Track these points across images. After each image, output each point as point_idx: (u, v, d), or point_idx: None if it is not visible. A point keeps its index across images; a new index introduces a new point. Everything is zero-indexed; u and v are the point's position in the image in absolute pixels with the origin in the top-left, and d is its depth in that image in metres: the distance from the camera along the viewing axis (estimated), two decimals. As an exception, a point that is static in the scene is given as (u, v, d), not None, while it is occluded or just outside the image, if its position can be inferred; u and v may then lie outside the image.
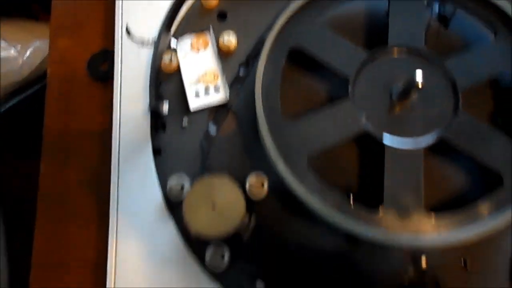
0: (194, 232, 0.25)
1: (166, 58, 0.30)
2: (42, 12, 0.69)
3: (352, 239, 0.26)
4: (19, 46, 0.56)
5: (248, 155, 0.28)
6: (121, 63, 0.31)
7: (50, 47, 0.41)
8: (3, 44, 0.55)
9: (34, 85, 0.59)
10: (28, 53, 0.57)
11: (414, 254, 0.25)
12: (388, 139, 0.26)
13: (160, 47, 0.29)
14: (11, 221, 0.60)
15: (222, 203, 0.25)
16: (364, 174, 0.26)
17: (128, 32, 0.31)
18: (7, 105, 0.57)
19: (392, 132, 0.26)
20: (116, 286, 0.27)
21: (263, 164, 0.27)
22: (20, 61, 0.56)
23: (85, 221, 0.32)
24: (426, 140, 0.26)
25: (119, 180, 0.28)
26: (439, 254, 0.26)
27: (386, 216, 0.24)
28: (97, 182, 0.35)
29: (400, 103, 0.26)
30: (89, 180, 0.36)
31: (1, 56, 0.55)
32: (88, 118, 0.38)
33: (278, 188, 0.27)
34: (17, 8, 0.65)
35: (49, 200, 0.35)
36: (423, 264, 0.25)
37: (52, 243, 0.32)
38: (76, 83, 0.40)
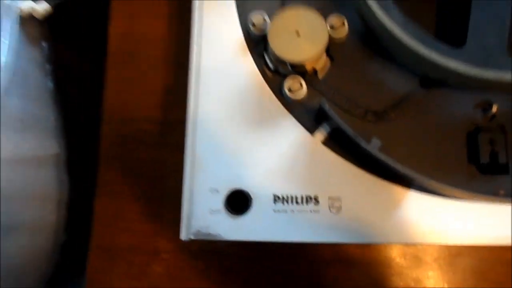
0: (280, 58, 0.26)
1: None
2: None
3: (426, 82, 0.27)
4: None
5: (329, -1, 0.29)
6: None
7: None
8: None
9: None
10: None
11: (485, 100, 0.26)
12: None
13: None
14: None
15: (306, 30, 0.26)
16: (447, 16, 0.27)
17: None
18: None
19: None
20: (198, 113, 0.28)
21: (344, 6, 0.28)
22: None
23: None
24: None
25: (201, 18, 0.29)
26: (508, 101, 0.26)
27: (469, 53, 0.25)
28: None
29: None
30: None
31: None
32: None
33: (358, 29, 0.27)
34: None
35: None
36: (494, 108, 0.26)
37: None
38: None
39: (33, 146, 0.51)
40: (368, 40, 0.28)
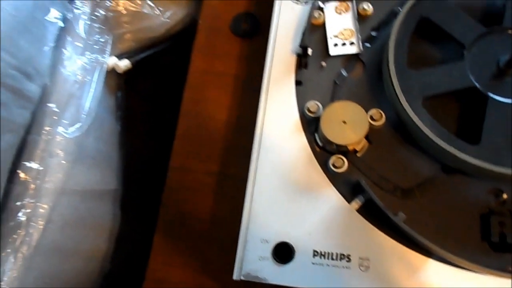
0: (329, 140, 0.33)
1: (315, 14, 0.38)
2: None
3: (447, 168, 0.33)
4: (161, 9, 0.68)
5: (370, 94, 0.36)
6: (278, 14, 0.40)
7: (203, 3, 0.52)
8: (150, 3, 0.68)
9: (164, 43, 0.71)
10: (167, 14, 0.68)
11: (497, 187, 0.32)
12: (492, 94, 0.32)
13: (313, 6, 0.38)
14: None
15: (351, 120, 0.33)
16: (465, 118, 0.33)
17: (287, -8, 0.40)
18: (143, 55, 0.69)
19: (495, 90, 0.32)
20: (256, 181, 0.35)
21: (382, 102, 0.35)
22: (160, 20, 0.68)
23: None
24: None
25: (266, 103, 0.37)
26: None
27: (481, 151, 0.31)
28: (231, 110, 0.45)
29: (505, 70, 0.33)
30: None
31: (146, 12, 0.67)
32: (227, 63, 0.48)
33: (393, 121, 0.34)
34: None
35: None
36: (504, 196, 0.31)
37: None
38: (221, 35, 0.50)
39: (98, 180, 0.59)
40: (400, 129, 0.34)
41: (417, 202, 0.32)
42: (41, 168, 0.50)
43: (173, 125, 0.54)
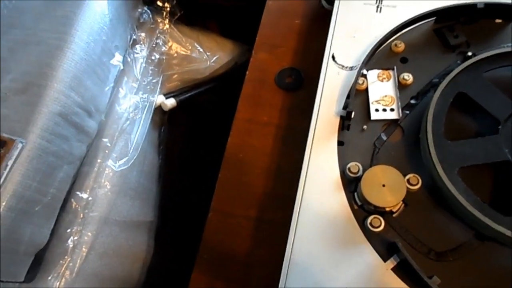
0: (367, 201, 0.35)
1: (359, 80, 0.42)
2: (217, 27, 0.87)
3: (480, 235, 0.35)
4: (208, 53, 0.74)
5: (407, 159, 0.38)
6: (324, 78, 0.44)
7: (252, 56, 0.57)
8: (199, 48, 0.73)
9: (209, 84, 0.76)
10: (213, 59, 0.74)
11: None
12: (525, 169, 0.35)
13: (358, 73, 0.41)
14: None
15: (390, 184, 0.35)
16: (499, 189, 0.35)
17: (333, 58, 0.44)
18: (188, 95, 0.74)
19: (528, 165, 0.35)
20: (296, 231, 0.38)
21: (419, 167, 0.37)
22: (207, 64, 0.73)
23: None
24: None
25: (310, 159, 0.40)
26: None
27: (514, 222, 0.33)
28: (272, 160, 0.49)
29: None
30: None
31: (194, 56, 0.73)
32: (271, 114, 0.52)
33: (429, 186, 0.37)
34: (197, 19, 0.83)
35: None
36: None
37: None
38: (266, 87, 0.54)
39: (137, 212, 0.63)
40: (436, 195, 0.36)
41: (450, 266, 0.34)
42: (90, 198, 0.54)
43: (206, 161, 0.57)
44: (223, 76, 0.78)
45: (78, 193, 0.54)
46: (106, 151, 0.58)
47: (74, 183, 0.53)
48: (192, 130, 0.85)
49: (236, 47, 0.79)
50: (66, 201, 0.51)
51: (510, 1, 0.42)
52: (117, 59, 0.57)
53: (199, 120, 0.86)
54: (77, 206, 0.53)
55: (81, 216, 0.54)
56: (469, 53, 0.41)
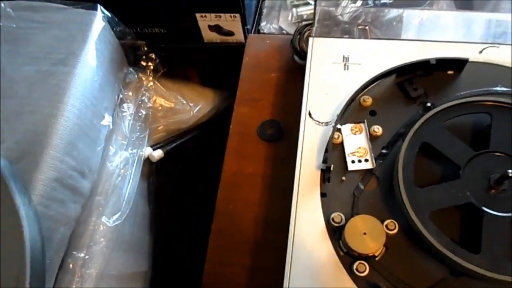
0: (352, 249, 0.39)
1: (335, 135, 0.46)
2: (197, 76, 0.91)
3: (454, 272, 0.39)
4: (191, 104, 0.77)
5: (384, 205, 0.43)
6: (303, 135, 0.48)
7: (234, 111, 0.61)
8: (182, 100, 0.77)
9: (193, 132, 0.79)
10: (196, 109, 0.78)
11: (499, 291, 0.37)
12: (486, 209, 0.39)
13: (334, 128, 0.46)
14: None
15: (370, 232, 0.39)
16: (467, 229, 0.40)
17: (310, 115, 0.48)
18: (174, 145, 0.77)
19: (489, 205, 0.39)
20: (290, 282, 0.41)
21: (395, 213, 0.41)
22: (190, 114, 0.77)
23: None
24: (513, 214, 0.39)
25: (296, 212, 0.44)
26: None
27: (482, 260, 0.37)
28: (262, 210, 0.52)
29: (496, 187, 0.40)
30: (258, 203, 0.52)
31: (178, 108, 0.76)
32: (255, 165, 0.56)
33: (405, 229, 0.41)
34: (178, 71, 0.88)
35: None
36: (505, 299, 0.37)
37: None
38: (249, 139, 0.58)
39: (132, 264, 0.64)
40: (412, 237, 0.40)
41: (430, 303, 0.38)
42: (87, 257, 0.56)
43: (193, 210, 0.60)
44: (206, 123, 0.82)
45: (74, 252, 0.55)
46: (100, 209, 0.59)
47: (70, 243, 0.55)
48: (178, 177, 0.88)
49: (216, 95, 0.83)
50: (63, 261, 0.53)
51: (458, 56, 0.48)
52: (107, 120, 0.60)
53: (185, 167, 0.88)
54: (74, 265, 0.55)
55: (79, 275, 0.55)
56: (428, 104, 0.47)
